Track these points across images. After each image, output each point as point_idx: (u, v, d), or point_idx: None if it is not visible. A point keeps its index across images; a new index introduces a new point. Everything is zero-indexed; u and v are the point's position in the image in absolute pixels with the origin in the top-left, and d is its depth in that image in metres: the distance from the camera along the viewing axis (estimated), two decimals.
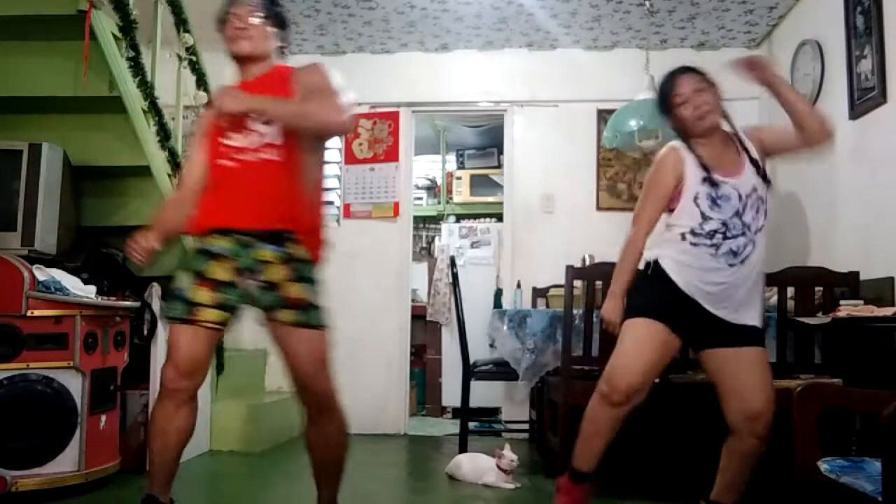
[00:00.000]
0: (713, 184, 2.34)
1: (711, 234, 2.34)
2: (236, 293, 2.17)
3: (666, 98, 2.46)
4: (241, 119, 2.18)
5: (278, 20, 2.34)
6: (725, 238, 2.34)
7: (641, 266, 2.48)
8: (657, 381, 2.57)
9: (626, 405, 2.37)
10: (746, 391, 2.33)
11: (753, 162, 2.39)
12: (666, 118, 2.51)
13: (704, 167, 2.37)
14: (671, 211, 2.45)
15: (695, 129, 2.42)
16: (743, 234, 2.34)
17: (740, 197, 2.35)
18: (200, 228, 2.21)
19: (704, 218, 2.35)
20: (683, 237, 2.38)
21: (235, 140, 2.20)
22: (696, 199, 2.36)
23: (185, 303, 2.15)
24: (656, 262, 2.42)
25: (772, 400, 2.34)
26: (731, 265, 2.33)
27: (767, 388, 2.35)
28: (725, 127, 2.48)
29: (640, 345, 2.37)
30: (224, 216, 2.18)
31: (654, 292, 2.41)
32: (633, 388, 2.35)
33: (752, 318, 2.39)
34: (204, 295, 2.14)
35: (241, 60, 2.28)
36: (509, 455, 3.35)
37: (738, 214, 2.34)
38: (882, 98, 3.26)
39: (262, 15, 2.26)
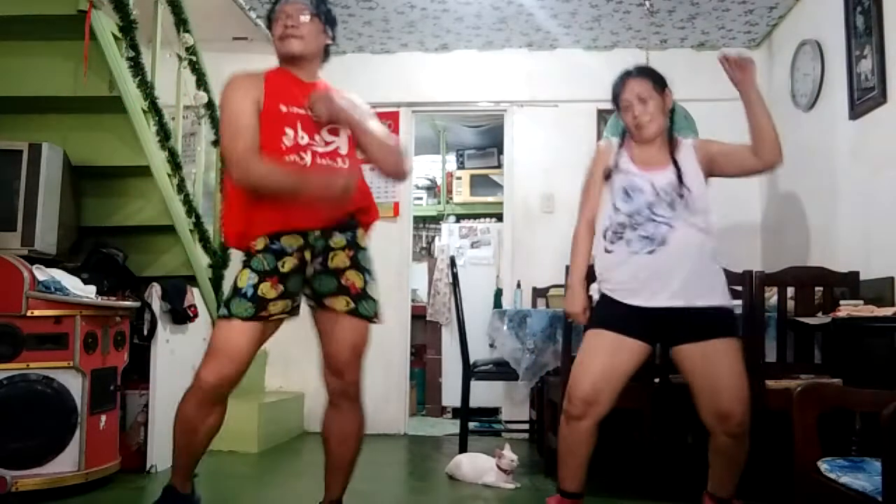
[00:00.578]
0: (627, 179, 2.42)
1: (621, 229, 2.40)
2: (297, 279, 2.18)
3: (614, 97, 2.51)
4: (315, 123, 2.18)
5: (328, 17, 2.32)
6: (634, 229, 2.38)
7: (596, 296, 2.52)
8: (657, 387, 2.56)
9: (586, 418, 2.36)
10: (716, 390, 2.31)
11: (677, 165, 2.42)
12: (617, 114, 2.56)
13: (621, 166, 2.45)
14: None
15: (635, 136, 2.48)
16: (651, 220, 2.36)
17: (654, 190, 2.38)
18: (273, 229, 2.17)
19: (615, 210, 2.42)
20: (605, 248, 2.45)
21: (303, 137, 2.17)
22: (612, 192, 2.44)
23: (254, 301, 2.12)
24: (600, 295, 2.48)
25: (743, 399, 2.31)
26: (650, 252, 2.35)
27: (737, 386, 2.31)
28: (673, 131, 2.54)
29: (590, 356, 2.38)
30: (302, 220, 2.16)
31: (602, 309, 2.46)
32: (587, 399, 2.34)
33: (710, 299, 2.36)
34: (271, 290, 2.14)
35: (292, 59, 2.26)
36: (509, 455, 3.35)
37: (649, 206, 2.38)
38: (882, 98, 3.26)
39: (312, 12, 2.25)
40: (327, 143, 2.20)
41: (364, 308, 2.22)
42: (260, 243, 2.18)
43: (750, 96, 2.44)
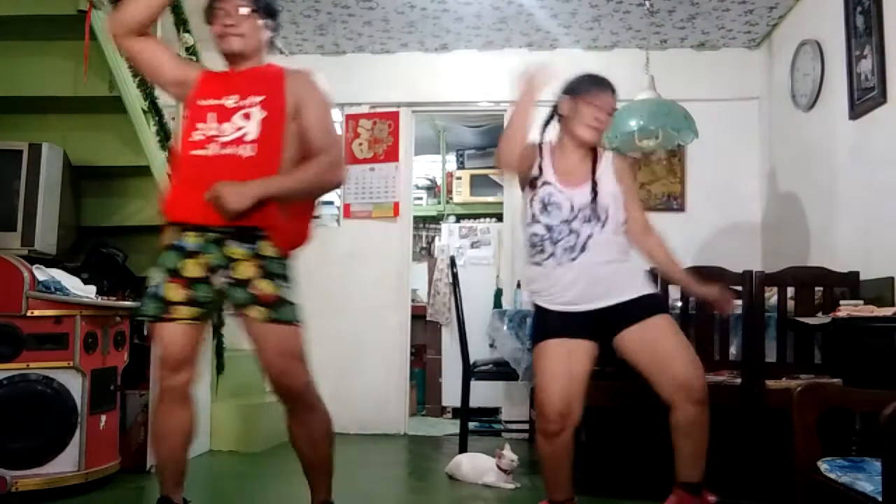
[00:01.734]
0: (546, 190, 2.43)
1: (541, 241, 2.43)
2: (208, 289, 2.16)
3: (585, 87, 2.50)
4: (226, 110, 2.17)
5: (268, 10, 2.28)
6: (555, 243, 2.41)
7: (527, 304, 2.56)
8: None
9: (564, 431, 2.38)
10: (669, 362, 2.34)
11: (594, 184, 2.44)
12: (562, 100, 2.53)
13: (541, 170, 2.46)
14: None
15: (579, 133, 2.47)
16: (570, 233, 2.40)
17: (572, 208, 2.41)
18: (177, 219, 2.19)
19: (533, 220, 2.45)
20: (531, 261, 2.48)
21: (212, 128, 2.16)
22: (531, 200, 2.46)
23: (158, 301, 2.15)
24: (532, 302, 2.51)
25: (697, 365, 2.35)
26: (572, 259, 2.39)
27: (688, 355, 2.36)
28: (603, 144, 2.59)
29: (549, 370, 2.38)
30: (198, 212, 2.14)
31: (540, 321, 2.47)
32: (561, 413, 2.35)
33: (635, 290, 2.41)
34: (177, 292, 2.14)
35: (232, 57, 2.25)
36: (509, 455, 3.35)
37: (565, 222, 2.41)
38: (882, 98, 3.26)
39: (250, 7, 2.21)
40: (238, 129, 2.16)
41: (283, 313, 2.14)
42: (168, 237, 2.20)
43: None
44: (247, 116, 2.17)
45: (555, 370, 2.37)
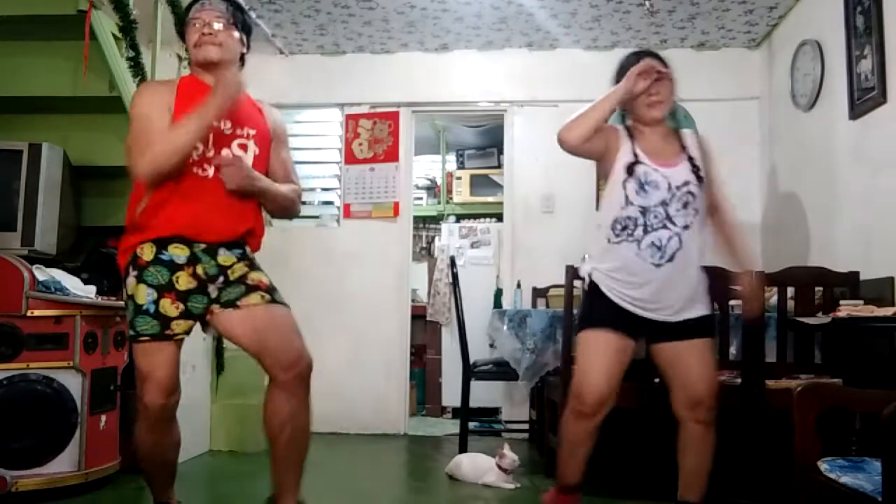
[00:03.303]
0: (642, 170, 2.35)
1: (633, 224, 2.34)
2: (202, 299, 2.19)
3: (626, 69, 2.42)
4: (223, 136, 2.21)
5: (243, 26, 2.31)
6: (646, 231, 2.33)
7: (586, 277, 2.49)
8: (659, 384, 2.57)
9: (598, 415, 2.39)
10: (691, 380, 2.37)
11: (691, 159, 2.40)
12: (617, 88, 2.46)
13: (635, 154, 2.37)
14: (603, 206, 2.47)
15: (643, 114, 2.41)
16: (665, 226, 2.33)
17: (669, 187, 2.34)
18: (169, 232, 2.16)
19: (627, 202, 2.35)
20: (608, 239, 2.40)
21: (210, 150, 2.18)
22: (624, 182, 2.36)
23: (156, 318, 2.12)
24: (590, 278, 2.45)
25: (712, 387, 2.38)
26: (656, 265, 2.33)
27: (711, 377, 2.39)
28: (671, 123, 2.49)
29: (598, 356, 2.38)
30: (196, 228, 2.17)
31: (596, 306, 2.43)
32: (601, 399, 2.36)
33: (697, 311, 2.40)
34: (171, 308, 2.14)
35: (208, 67, 2.24)
36: (510, 455, 3.35)
37: (663, 203, 2.34)
38: (882, 98, 3.26)
39: (228, 20, 2.23)
40: (232, 156, 2.22)
41: (279, 297, 2.24)
42: (147, 252, 2.15)
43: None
44: (243, 147, 2.23)
45: (601, 356, 2.37)
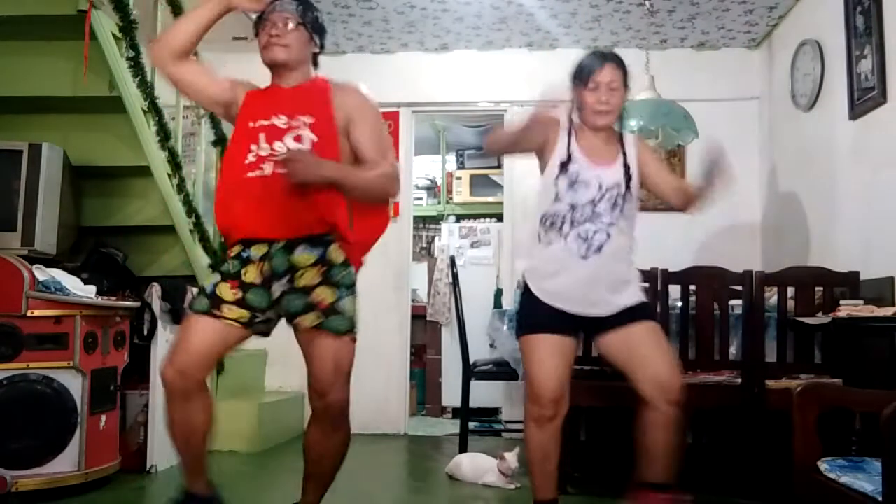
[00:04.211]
0: (574, 169, 2.39)
1: (560, 220, 2.37)
2: (264, 295, 2.16)
3: (581, 72, 2.46)
4: (277, 130, 2.17)
5: (315, 26, 2.29)
6: (573, 225, 2.36)
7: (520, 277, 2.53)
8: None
9: (558, 417, 2.39)
10: (651, 364, 2.35)
11: (626, 165, 2.43)
12: (571, 87, 2.51)
13: (569, 152, 2.41)
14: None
15: (589, 120, 2.45)
16: (590, 220, 2.36)
17: (600, 186, 2.38)
18: (244, 236, 2.19)
19: (557, 198, 2.39)
20: (539, 235, 2.43)
21: (265, 148, 2.16)
22: (556, 178, 2.40)
23: (210, 298, 2.15)
24: (523, 278, 2.49)
25: (675, 368, 2.38)
26: (583, 257, 2.35)
27: (669, 359, 2.38)
28: (615, 126, 2.51)
29: (541, 358, 2.39)
30: (262, 227, 2.16)
31: (532, 309, 2.45)
32: (555, 398, 2.37)
33: (630, 299, 2.41)
34: (229, 292, 2.15)
35: (276, 68, 2.26)
36: (512, 461, 3.32)
37: (592, 202, 2.37)
38: (882, 98, 3.26)
39: (298, 21, 2.23)
40: (289, 150, 2.17)
41: (334, 324, 2.13)
42: (235, 249, 2.21)
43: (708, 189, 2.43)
44: (298, 139, 2.17)
45: (548, 359, 2.39)
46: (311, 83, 2.28)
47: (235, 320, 2.15)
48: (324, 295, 2.13)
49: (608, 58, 2.45)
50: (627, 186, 2.40)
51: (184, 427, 2.15)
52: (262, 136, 2.18)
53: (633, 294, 2.43)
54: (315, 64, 2.35)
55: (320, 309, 2.12)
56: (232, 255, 2.21)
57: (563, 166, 2.40)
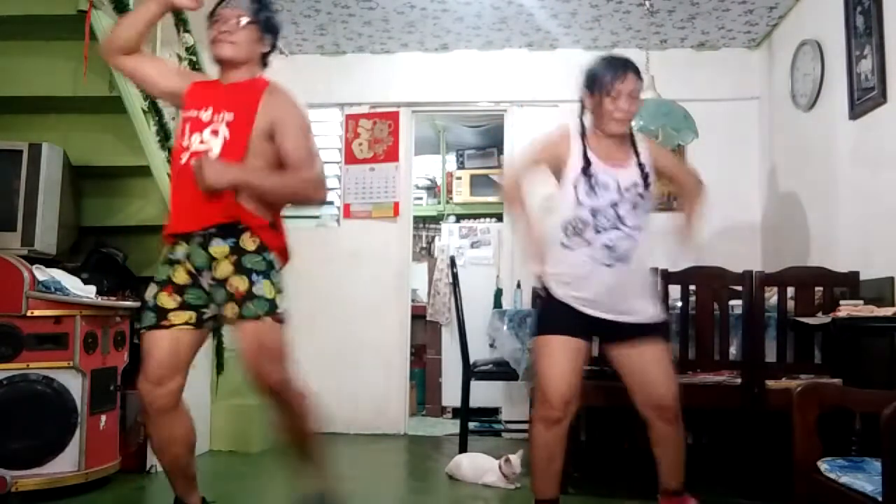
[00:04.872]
0: (592, 173, 2.40)
1: (583, 226, 2.38)
2: (198, 292, 2.20)
3: (601, 80, 2.42)
4: (200, 122, 2.21)
5: (267, 25, 2.29)
6: (597, 231, 2.38)
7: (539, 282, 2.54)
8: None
9: (565, 419, 2.42)
10: (651, 385, 2.45)
11: (640, 164, 2.46)
12: (586, 94, 2.48)
13: (587, 158, 2.42)
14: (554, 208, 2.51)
15: (606, 126, 2.45)
16: (616, 227, 2.38)
17: (619, 188, 2.40)
18: (170, 231, 2.25)
19: (578, 203, 2.40)
20: (561, 242, 2.43)
21: (186, 139, 2.21)
22: (575, 184, 2.41)
23: (154, 311, 2.19)
24: (543, 282, 2.50)
25: (674, 392, 2.46)
26: (608, 265, 2.37)
27: (670, 380, 2.46)
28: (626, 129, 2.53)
29: (554, 359, 2.42)
30: (178, 221, 2.22)
31: (551, 310, 2.47)
32: (565, 399, 2.39)
33: (649, 315, 2.45)
34: (168, 300, 2.19)
35: (223, 63, 2.27)
36: (516, 464, 3.31)
37: (613, 205, 2.39)
38: (882, 98, 3.26)
39: (249, 19, 2.23)
40: (202, 142, 2.19)
41: (249, 309, 2.13)
42: (165, 251, 2.26)
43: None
44: (214, 133, 2.20)
45: (559, 360, 2.41)
46: (250, 82, 2.28)
47: (185, 323, 2.19)
48: (237, 283, 2.15)
49: (629, 66, 2.44)
50: (645, 185, 2.43)
51: (167, 442, 2.21)
52: (188, 127, 2.23)
53: (653, 311, 2.47)
54: (264, 63, 2.34)
55: (236, 298, 2.15)
56: (161, 260, 2.25)
57: (582, 172, 2.41)
